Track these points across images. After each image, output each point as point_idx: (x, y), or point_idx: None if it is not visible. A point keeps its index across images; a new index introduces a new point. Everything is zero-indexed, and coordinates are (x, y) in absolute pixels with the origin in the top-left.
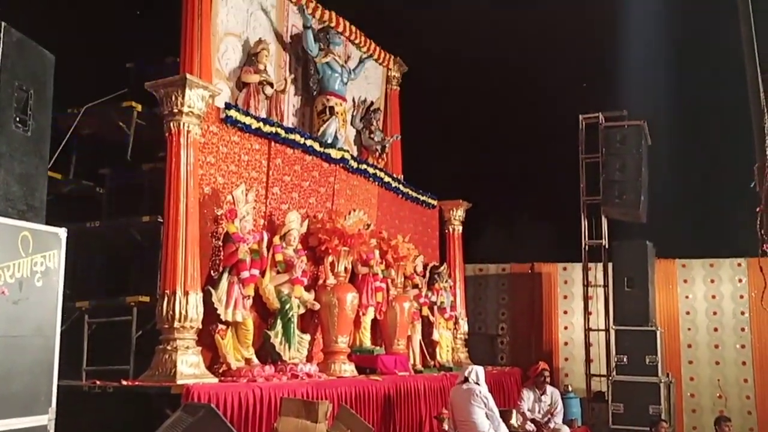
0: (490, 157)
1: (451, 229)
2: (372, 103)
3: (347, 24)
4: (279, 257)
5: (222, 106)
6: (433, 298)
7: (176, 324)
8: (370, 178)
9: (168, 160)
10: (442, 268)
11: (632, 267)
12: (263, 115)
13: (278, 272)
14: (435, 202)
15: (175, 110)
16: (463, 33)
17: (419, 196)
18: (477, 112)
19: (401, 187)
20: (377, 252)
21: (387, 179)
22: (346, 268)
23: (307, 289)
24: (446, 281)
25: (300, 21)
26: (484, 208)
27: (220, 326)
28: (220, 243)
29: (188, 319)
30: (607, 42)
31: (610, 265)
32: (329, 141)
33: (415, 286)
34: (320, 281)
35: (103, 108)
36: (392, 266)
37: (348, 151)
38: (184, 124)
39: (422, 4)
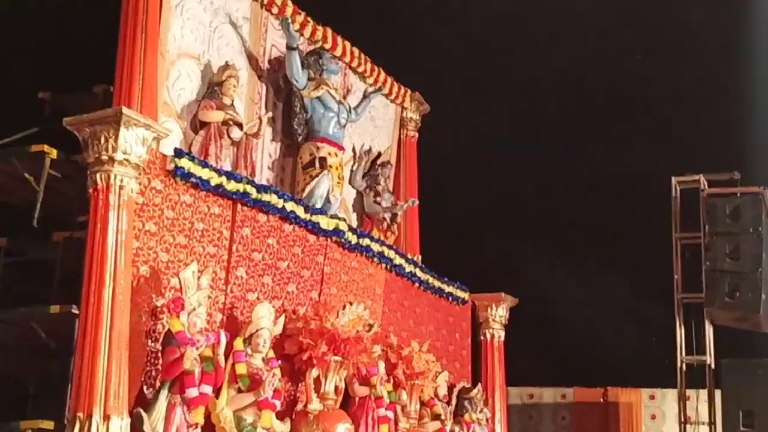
0: (545, 233)
1: (488, 335)
2: (380, 155)
3: (347, 46)
4: (241, 369)
5: (170, 153)
6: None
7: None
8: (375, 259)
9: (91, 227)
10: (475, 391)
11: (751, 397)
12: (227, 167)
13: (239, 391)
14: (466, 296)
15: (105, 157)
16: (507, 62)
17: (444, 287)
18: (526, 169)
19: (419, 272)
20: (382, 365)
21: (399, 261)
22: (337, 388)
23: (280, 416)
24: (481, 411)
25: (282, 40)
26: (535, 306)
27: None
28: (159, 346)
29: None
30: (713, 79)
31: (717, 393)
32: (318, 205)
33: (437, 416)
34: (300, 406)
35: (3, 153)
36: (403, 386)
37: (344, 220)
38: (116, 177)
39: (452, 21)
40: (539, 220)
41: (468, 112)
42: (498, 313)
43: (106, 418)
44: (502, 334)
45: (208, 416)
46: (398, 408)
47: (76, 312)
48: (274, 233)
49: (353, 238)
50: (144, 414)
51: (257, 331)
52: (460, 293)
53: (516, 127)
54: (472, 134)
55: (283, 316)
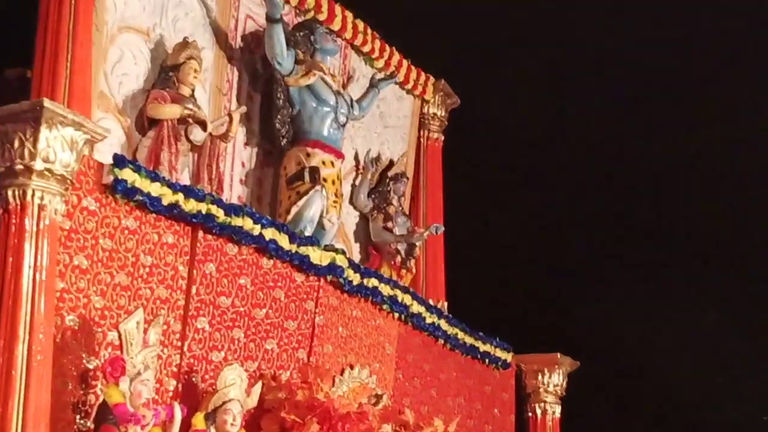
0: (616, 267)
1: (539, 410)
2: (392, 164)
3: (349, 17)
4: None
5: (108, 161)
6: None
7: None
8: (385, 306)
9: None
10: None
11: None
12: (185, 180)
13: None
14: (509, 357)
15: (19, 167)
16: (566, 38)
17: (479, 345)
18: (590, 182)
19: (444, 324)
20: None
21: (417, 309)
22: None
23: None
24: None
25: (261, 9)
26: (603, 370)
27: None
28: (91, 424)
29: None
30: None
31: None
32: (308, 232)
33: None
34: None
35: None
36: None
37: (343, 253)
38: (34, 193)
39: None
40: (608, 249)
41: (511, 106)
42: (552, 380)
43: None
44: (558, 409)
45: None
46: None
47: None
48: (247, 270)
49: (355, 278)
50: None
51: (224, 403)
52: (500, 353)
53: (576, 126)
54: (517, 136)
55: (260, 383)
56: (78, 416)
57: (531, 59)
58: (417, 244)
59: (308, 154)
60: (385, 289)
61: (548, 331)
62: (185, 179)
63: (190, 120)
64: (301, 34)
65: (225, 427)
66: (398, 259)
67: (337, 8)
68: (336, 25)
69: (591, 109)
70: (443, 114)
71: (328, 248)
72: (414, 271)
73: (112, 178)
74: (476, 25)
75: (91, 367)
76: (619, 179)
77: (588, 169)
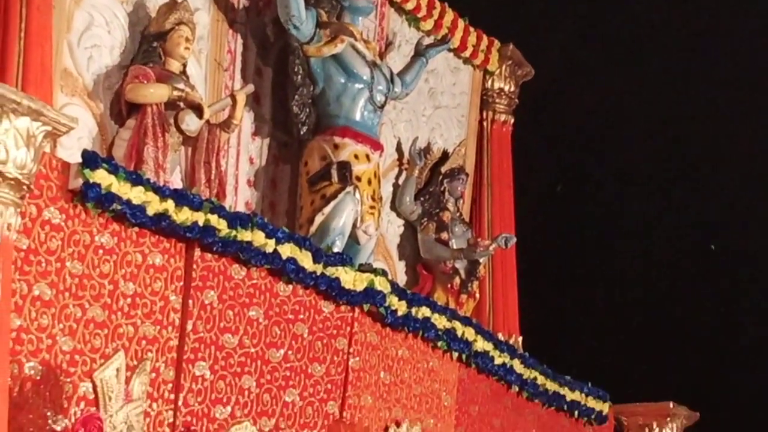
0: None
1: None
2: (446, 156)
3: None
4: None
5: (76, 159)
6: None
7: None
8: (440, 343)
9: None
10: None
11: None
12: (177, 183)
13: None
14: (606, 408)
15: None
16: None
17: (566, 392)
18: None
19: (520, 367)
20: None
21: (483, 347)
22: None
23: None
24: None
25: None
26: (727, 424)
27: None
28: None
29: None
30: None
31: None
32: (338, 248)
33: None
34: None
35: None
36: None
37: (385, 274)
38: None
39: None
40: (735, 265)
41: (609, 77)
42: None
43: None
44: None
45: None
46: None
47: None
48: (259, 300)
49: (400, 306)
50: None
51: None
52: (594, 403)
53: (692, 104)
54: (614, 115)
55: None
56: None
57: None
58: (481, 261)
59: (336, 146)
60: (440, 321)
61: (656, 374)
62: (176, 182)
63: (182, 104)
64: None
65: None
66: (456, 281)
67: None
68: None
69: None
70: (512, 89)
71: (365, 268)
72: (477, 296)
73: (81, 181)
74: None
75: (58, 429)
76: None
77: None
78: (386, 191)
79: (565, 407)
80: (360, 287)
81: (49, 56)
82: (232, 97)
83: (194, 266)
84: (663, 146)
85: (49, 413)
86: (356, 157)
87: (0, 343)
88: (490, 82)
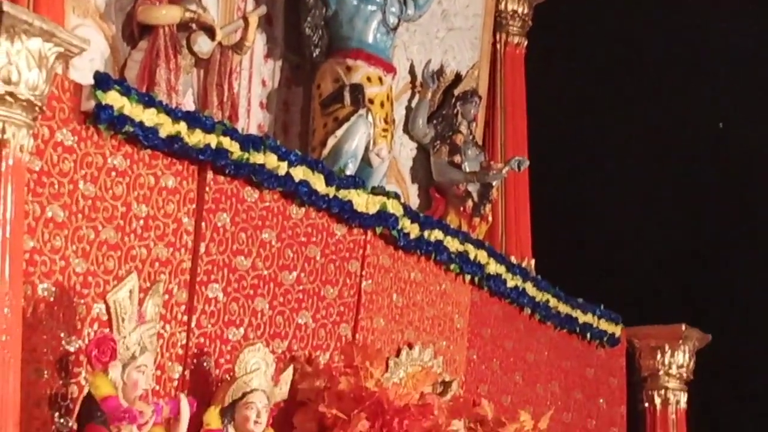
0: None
1: (658, 399)
2: (458, 79)
3: None
4: None
5: (88, 81)
6: None
7: None
8: (453, 266)
9: None
10: None
11: None
12: (189, 105)
13: None
14: (618, 331)
15: None
16: None
17: (578, 315)
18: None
19: (532, 289)
20: None
21: (495, 269)
22: None
23: None
24: None
25: None
26: (741, 347)
27: None
28: (73, 424)
29: None
30: None
31: None
32: (350, 171)
33: None
34: None
35: None
36: None
37: (397, 197)
38: None
39: None
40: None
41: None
42: (675, 360)
43: None
44: (684, 397)
45: None
46: None
47: None
48: (272, 222)
49: (413, 229)
50: None
51: (245, 395)
52: (606, 326)
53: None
54: (629, 41)
55: (291, 368)
56: (56, 413)
57: None
58: (494, 184)
59: (349, 68)
60: (453, 244)
61: (668, 297)
62: (189, 104)
63: (194, 26)
64: None
65: (247, 425)
66: (469, 204)
67: None
68: None
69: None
70: (526, 11)
71: (377, 191)
72: (490, 219)
73: (93, 103)
74: None
75: (71, 349)
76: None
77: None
78: (399, 114)
79: (578, 330)
80: (372, 210)
81: None
82: (245, 19)
83: (207, 189)
84: (681, 72)
85: (62, 334)
86: (369, 79)
87: (14, 265)
88: (503, 3)
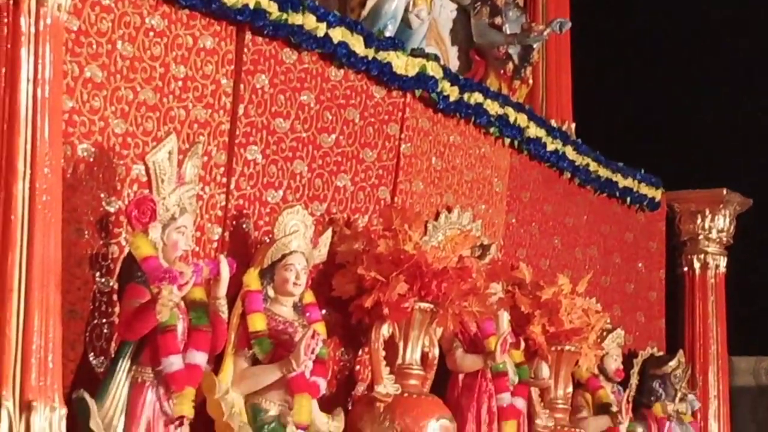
0: None
1: (697, 264)
2: None
3: None
4: (258, 323)
5: None
6: None
7: None
8: (493, 129)
9: None
10: (673, 363)
11: None
12: None
13: (256, 361)
14: (659, 194)
15: None
16: None
17: (618, 179)
18: None
19: (572, 153)
20: (506, 317)
21: (536, 133)
22: (425, 357)
23: (327, 405)
24: (683, 398)
25: None
26: None
27: None
28: (114, 284)
29: None
30: None
31: None
32: (389, 32)
33: (604, 407)
34: (361, 387)
35: None
36: (544, 356)
37: (437, 59)
38: None
39: None
40: None
41: None
42: (716, 224)
43: (26, 406)
44: (723, 261)
45: (201, 404)
46: (534, 393)
47: None
48: (311, 84)
49: (452, 92)
50: (90, 400)
51: (284, 257)
52: (646, 190)
53: None
54: None
55: (330, 231)
56: (97, 273)
57: None
58: (534, 46)
59: None
60: (493, 107)
61: (709, 161)
62: None
63: None
64: None
65: (286, 286)
66: (509, 66)
67: None
68: None
69: None
70: None
71: (416, 53)
72: (531, 82)
73: None
74: None
75: (112, 210)
76: None
77: None
78: None
79: (617, 194)
80: (412, 72)
81: None
82: None
83: (245, 50)
84: None
85: (102, 195)
86: None
87: (53, 125)
88: None
